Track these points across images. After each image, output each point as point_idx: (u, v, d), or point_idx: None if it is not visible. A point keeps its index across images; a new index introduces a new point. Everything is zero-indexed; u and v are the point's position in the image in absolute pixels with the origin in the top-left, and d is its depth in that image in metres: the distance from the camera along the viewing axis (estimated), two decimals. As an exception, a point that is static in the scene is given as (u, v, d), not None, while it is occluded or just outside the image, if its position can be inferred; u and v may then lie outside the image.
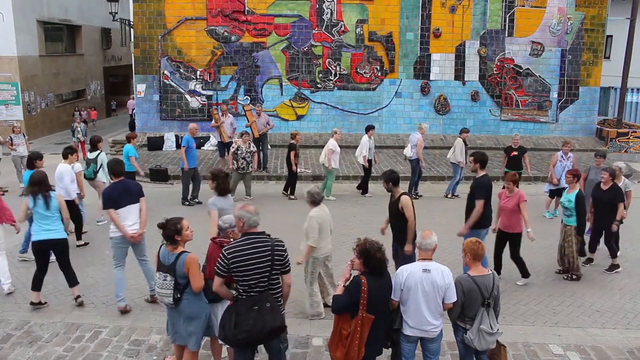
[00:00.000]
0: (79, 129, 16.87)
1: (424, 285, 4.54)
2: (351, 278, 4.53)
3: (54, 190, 6.84)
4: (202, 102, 17.97)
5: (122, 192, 6.56)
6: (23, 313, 6.64)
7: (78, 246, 8.87)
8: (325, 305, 6.64)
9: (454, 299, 4.61)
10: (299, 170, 12.44)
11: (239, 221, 4.51)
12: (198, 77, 17.80)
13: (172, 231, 4.81)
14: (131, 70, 20.24)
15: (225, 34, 17.62)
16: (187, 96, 17.93)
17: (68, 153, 8.86)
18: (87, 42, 25.74)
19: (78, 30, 24.96)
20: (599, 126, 19.01)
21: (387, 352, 5.07)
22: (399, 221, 6.52)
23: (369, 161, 12.48)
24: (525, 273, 7.78)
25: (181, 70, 17.75)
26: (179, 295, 4.78)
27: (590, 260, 8.55)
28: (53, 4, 22.34)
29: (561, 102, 18.60)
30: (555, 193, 10.85)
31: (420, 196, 12.61)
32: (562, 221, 8.22)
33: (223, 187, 6.66)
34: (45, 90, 21.84)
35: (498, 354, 4.90)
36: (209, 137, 17.57)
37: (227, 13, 17.47)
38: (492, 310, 4.73)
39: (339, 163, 12.54)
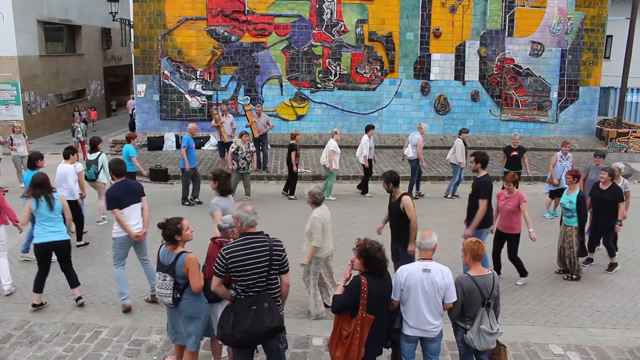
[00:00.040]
0: (79, 129, 16.87)
1: (424, 285, 4.54)
2: (351, 278, 4.53)
3: (56, 192, 6.84)
4: (202, 102, 17.98)
5: (125, 192, 6.59)
6: (23, 313, 6.64)
7: (78, 246, 8.87)
8: (326, 306, 6.64)
9: (454, 299, 4.61)
10: (299, 170, 12.43)
11: (237, 221, 4.51)
12: (198, 77, 17.80)
13: (172, 231, 4.81)
14: (131, 70, 20.26)
15: (225, 34, 17.63)
16: (187, 96, 17.94)
17: (69, 153, 8.87)
18: (87, 42, 25.74)
19: (78, 30, 24.96)
20: (599, 126, 19.02)
21: (387, 352, 5.07)
22: (400, 222, 6.51)
23: (370, 161, 12.49)
24: (522, 272, 7.78)
25: (181, 70, 17.75)
26: (178, 296, 4.78)
27: (590, 260, 8.55)
28: (53, 4, 22.35)
29: (561, 102, 18.61)
30: (556, 194, 10.84)
31: (423, 195, 12.63)
32: (561, 222, 8.23)
33: (225, 187, 6.67)
34: (45, 90, 21.85)
35: (498, 354, 4.91)
36: (209, 137, 17.57)
37: (227, 13, 17.48)
38: (492, 310, 4.73)
39: (339, 163, 12.53)
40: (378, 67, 18.06)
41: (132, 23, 17.93)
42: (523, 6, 17.92)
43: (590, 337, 6.33)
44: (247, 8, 17.48)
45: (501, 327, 4.91)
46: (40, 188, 6.52)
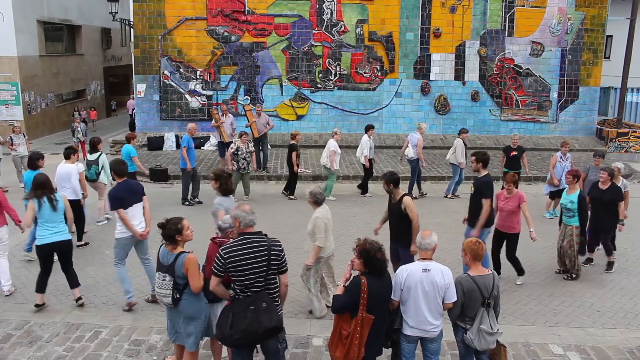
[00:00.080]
0: (79, 129, 16.87)
1: (424, 285, 4.54)
2: (351, 278, 4.53)
3: (57, 192, 6.85)
4: (202, 102, 17.98)
5: (128, 192, 6.63)
6: (23, 313, 6.64)
7: (78, 246, 8.87)
8: (326, 306, 6.64)
9: (454, 298, 4.61)
10: (299, 170, 12.44)
11: (235, 221, 4.52)
12: (198, 77, 17.80)
13: (172, 231, 4.81)
14: (131, 70, 20.26)
15: (225, 34, 17.63)
16: (187, 96, 17.94)
17: (70, 153, 8.90)
18: (87, 42, 25.74)
19: (78, 30, 24.96)
20: (599, 126, 19.02)
21: (387, 352, 5.07)
22: (400, 222, 6.52)
23: (370, 161, 12.48)
24: (520, 271, 7.79)
25: (181, 70, 17.75)
26: (178, 296, 4.78)
27: (590, 260, 8.56)
28: (53, 4, 22.35)
29: (561, 102, 18.61)
30: (556, 194, 10.83)
31: (425, 194, 12.65)
32: (561, 222, 8.22)
33: (226, 187, 6.69)
34: (45, 90, 21.85)
35: (498, 354, 4.91)
36: (209, 137, 17.58)
37: (227, 13, 17.48)
38: (492, 310, 4.73)
39: (339, 163, 12.52)
40: (378, 67, 18.06)
41: (132, 23, 17.93)
42: (523, 6, 17.92)
43: (590, 337, 6.33)
44: (247, 8, 17.48)
45: (501, 327, 4.91)
46: (42, 189, 6.52)
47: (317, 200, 6.41)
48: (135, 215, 6.63)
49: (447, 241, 9.04)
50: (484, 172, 7.45)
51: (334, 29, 17.72)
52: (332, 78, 18.03)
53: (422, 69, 18.16)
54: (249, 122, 14.40)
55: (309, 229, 6.43)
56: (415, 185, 12.49)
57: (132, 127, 19.96)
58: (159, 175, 13.92)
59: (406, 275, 4.58)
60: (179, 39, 17.61)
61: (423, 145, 12.46)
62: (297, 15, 17.61)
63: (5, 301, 6.96)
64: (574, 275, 7.95)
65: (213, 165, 14.78)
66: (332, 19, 17.67)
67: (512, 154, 11.78)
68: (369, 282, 4.36)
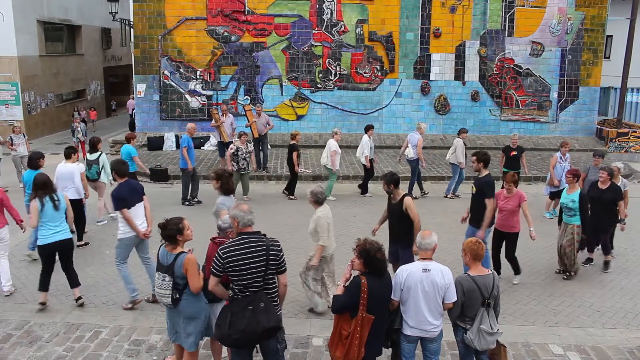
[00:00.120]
0: (79, 129, 16.87)
1: (424, 285, 4.54)
2: (351, 278, 4.53)
3: (58, 192, 6.87)
4: (202, 102, 17.98)
5: (130, 192, 6.68)
6: (23, 313, 6.64)
7: (78, 246, 8.86)
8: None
9: (454, 298, 4.61)
10: (300, 170, 12.44)
11: (233, 221, 4.52)
12: (198, 77, 17.80)
13: (174, 231, 4.82)
14: (131, 70, 20.26)
15: (225, 34, 17.63)
16: (187, 96, 17.94)
17: (71, 153, 8.94)
18: (87, 42, 25.74)
19: (78, 30, 24.96)
20: (599, 126, 19.02)
21: (387, 352, 5.07)
22: (401, 222, 6.52)
23: (371, 161, 12.48)
24: (517, 270, 7.78)
25: (181, 70, 17.75)
26: (177, 296, 4.78)
27: (590, 260, 8.56)
28: (53, 4, 22.35)
29: (561, 102, 18.61)
30: (556, 194, 10.82)
31: (427, 193, 12.66)
32: (561, 221, 8.20)
33: (227, 186, 6.71)
34: (45, 90, 21.85)
35: (498, 354, 4.91)
36: (209, 137, 17.58)
37: (227, 13, 17.48)
38: (492, 310, 4.73)
39: (339, 163, 12.52)
40: (378, 67, 18.06)
41: (132, 23, 17.93)
42: (523, 6, 17.92)
43: (590, 337, 6.33)
44: (247, 8, 17.48)
45: (501, 327, 4.91)
46: (44, 189, 6.54)
47: (318, 200, 6.42)
48: (138, 214, 6.70)
49: (447, 241, 9.04)
50: (485, 172, 7.45)
51: (334, 29, 17.72)
52: (332, 78, 18.03)
53: (422, 69, 18.16)
54: (249, 122, 14.40)
55: (310, 228, 6.44)
56: (415, 186, 12.49)
57: (132, 127, 19.96)
58: (159, 175, 13.93)
59: (406, 275, 4.58)
60: (179, 39, 17.61)
61: (423, 145, 12.46)
62: (297, 15, 17.61)
63: (5, 301, 6.96)
64: (572, 274, 7.95)
65: (213, 165, 14.78)
66: (332, 19, 17.67)
67: (512, 154, 11.78)
68: (369, 282, 4.36)
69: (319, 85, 18.06)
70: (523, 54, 18.17)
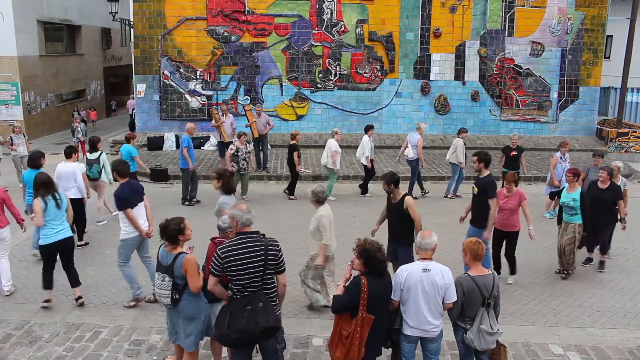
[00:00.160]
0: (79, 129, 16.87)
1: (424, 285, 4.54)
2: (351, 278, 4.53)
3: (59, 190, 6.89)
4: (202, 102, 17.98)
5: (132, 192, 6.70)
6: (23, 313, 6.64)
7: (78, 246, 8.86)
8: (326, 306, 6.65)
9: (454, 298, 4.61)
10: (300, 170, 12.45)
11: (232, 220, 4.53)
12: (198, 77, 17.80)
13: (175, 231, 4.82)
14: (131, 70, 20.25)
15: (225, 34, 17.63)
16: (187, 96, 17.94)
17: (71, 152, 8.96)
18: (87, 42, 25.74)
19: (78, 30, 24.96)
20: (599, 126, 19.02)
21: (387, 352, 5.07)
22: (401, 222, 6.52)
23: (372, 161, 12.47)
24: (513, 270, 7.78)
25: (181, 70, 17.75)
26: (177, 296, 4.78)
27: (589, 260, 8.56)
28: (53, 4, 22.34)
29: (561, 102, 18.60)
30: (556, 194, 10.82)
31: (427, 193, 12.68)
32: (561, 220, 8.18)
33: (229, 186, 6.74)
34: (45, 90, 21.84)
35: (498, 354, 4.91)
36: (209, 137, 17.58)
37: (227, 13, 17.48)
38: (492, 310, 4.73)
39: (339, 163, 12.53)
40: (378, 67, 18.05)
41: (132, 23, 17.93)
42: (523, 6, 17.92)
43: (590, 337, 6.33)
44: (247, 8, 17.48)
45: (501, 327, 4.91)
46: (46, 187, 6.56)
47: (319, 199, 6.43)
48: (140, 214, 6.73)
49: (447, 241, 9.03)
50: (486, 173, 7.45)
51: (334, 29, 17.72)
52: (332, 78, 18.03)
53: (422, 69, 18.15)
54: (249, 122, 14.40)
55: (311, 228, 6.44)
56: (416, 186, 12.49)
57: (132, 127, 19.95)
58: (159, 175, 13.93)
59: (406, 275, 4.58)
60: (179, 39, 17.61)
61: (423, 145, 12.46)
62: (297, 15, 17.61)
63: (5, 301, 6.96)
64: (569, 272, 7.96)
65: (213, 165, 14.77)
66: (332, 19, 17.67)
67: (511, 154, 11.79)
68: (369, 282, 4.36)
69: (319, 85, 18.06)
70: (523, 54, 18.17)
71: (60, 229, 6.59)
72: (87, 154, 10.33)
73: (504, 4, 17.83)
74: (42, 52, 21.55)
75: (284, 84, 18.03)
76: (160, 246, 4.96)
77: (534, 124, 18.64)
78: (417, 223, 6.42)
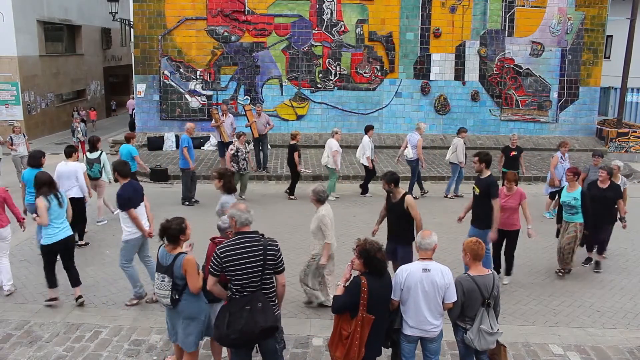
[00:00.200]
0: (79, 129, 16.86)
1: (424, 285, 4.54)
2: (351, 278, 4.53)
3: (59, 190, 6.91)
4: (202, 102, 17.98)
5: (134, 192, 6.72)
6: (23, 313, 6.64)
7: (79, 246, 8.87)
8: (325, 306, 6.65)
9: (454, 298, 4.61)
10: (302, 170, 12.45)
11: (231, 220, 4.53)
12: (198, 77, 17.80)
13: (177, 231, 4.83)
14: (131, 70, 20.26)
15: (225, 34, 17.63)
16: (187, 96, 17.94)
17: (72, 152, 8.97)
18: (87, 42, 25.74)
19: (78, 30, 24.97)
20: (599, 126, 19.02)
21: (387, 352, 5.07)
22: (401, 221, 6.52)
23: (372, 161, 12.46)
24: (509, 270, 7.78)
25: (181, 70, 17.75)
26: (177, 297, 4.78)
27: (589, 260, 8.55)
28: (53, 4, 22.35)
29: (561, 102, 18.60)
30: (556, 194, 10.81)
31: (427, 192, 12.68)
32: (561, 220, 8.17)
33: (230, 185, 6.76)
34: (45, 90, 21.85)
35: (498, 354, 4.91)
36: (209, 137, 17.58)
37: (227, 13, 17.48)
38: (492, 310, 4.73)
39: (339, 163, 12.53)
40: (378, 67, 18.05)
41: (132, 23, 17.93)
42: (523, 6, 17.92)
43: (590, 337, 6.33)
44: (247, 8, 17.48)
45: (501, 327, 4.91)
46: (47, 186, 6.57)
47: (319, 199, 6.43)
48: (141, 214, 6.75)
49: (447, 241, 9.03)
50: (487, 173, 7.44)
51: (334, 29, 17.72)
52: (332, 78, 18.03)
53: (422, 69, 18.15)
54: (249, 122, 14.39)
55: (312, 227, 6.44)
56: (416, 186, 12.49)
57: (132, 127, 19.95)
58: (159, 175, 13.93)
59: (406, 275, 4.58)
60: (179, 39, 17.61)
61: (422, 145, 12.45)
62: (297, 15, 17.61)
63: (5, 301, 6.96)
64: (567, 271, 7.95)
65: (213, 165, 14.77)
66: (332, 19, 17.67)
67: (511, 154, 11.80)
68: (369, 282, 4.36)
69: (319, 85, 18.06)
70: (523, 54, 18.17)
71: (62, 228, 6.62)
72: (87, 153, 10.33)
73: (504, 4, 17.84)
74: (42, 52, 21.55)
75: (284, 84, 18.03)
76: (160, 246, 4.97)
77: (534, 124, 18.64)
78: (418, 222, 6.42)
